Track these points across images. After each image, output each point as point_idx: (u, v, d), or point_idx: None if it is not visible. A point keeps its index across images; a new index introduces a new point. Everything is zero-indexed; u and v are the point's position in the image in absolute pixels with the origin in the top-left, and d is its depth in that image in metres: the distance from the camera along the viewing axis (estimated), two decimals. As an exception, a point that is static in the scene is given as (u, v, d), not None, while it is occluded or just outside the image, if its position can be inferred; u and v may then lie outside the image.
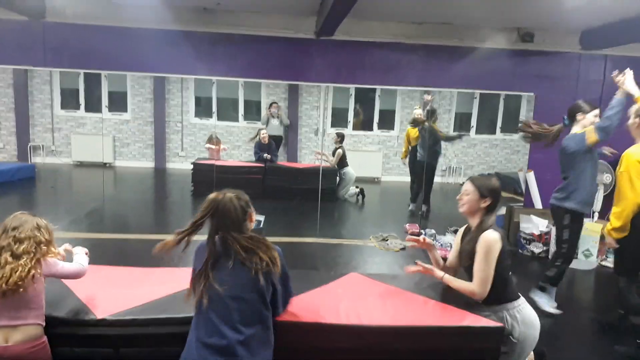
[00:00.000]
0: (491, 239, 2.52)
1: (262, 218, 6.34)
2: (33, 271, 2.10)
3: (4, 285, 2.04)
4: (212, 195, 2.21)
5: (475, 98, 12.61)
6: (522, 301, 2.62)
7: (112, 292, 2.61)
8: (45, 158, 11.90)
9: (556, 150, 6.48)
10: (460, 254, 2.76)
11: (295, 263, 5.37)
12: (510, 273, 2.65)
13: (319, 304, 2.56)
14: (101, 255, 5.36)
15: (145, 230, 6.61)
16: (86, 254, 2.45)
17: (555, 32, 6.32)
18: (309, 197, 8.43)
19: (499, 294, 2.55)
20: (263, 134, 9.58)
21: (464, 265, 2.70)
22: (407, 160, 8.80)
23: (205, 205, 2.17)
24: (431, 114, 7.74)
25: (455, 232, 6.85)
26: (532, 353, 3.05)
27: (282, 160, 10.61)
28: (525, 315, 2.58)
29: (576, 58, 6.42)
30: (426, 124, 7.64)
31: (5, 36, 5.62)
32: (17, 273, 2.04)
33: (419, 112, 8.01)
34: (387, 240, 6.35)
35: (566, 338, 3.87)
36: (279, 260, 2.15)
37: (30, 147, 11.77)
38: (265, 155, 9.38)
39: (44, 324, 2.20)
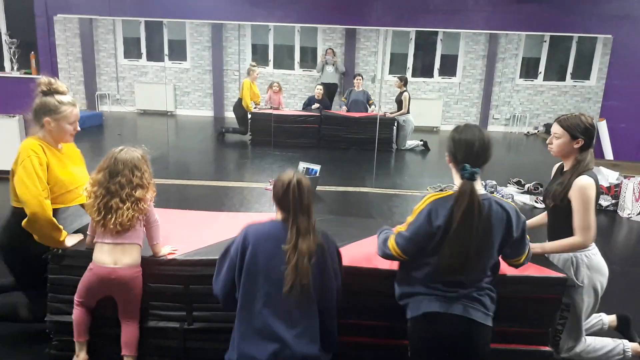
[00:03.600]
0: (586, 185, 2.38)
1: (317, 167, 6.38)
2: (138, 214, 2.36)
3: (118, 226, 2.31)
4: (285, 177, 2.04)
5: (545, 41, 11.81)
6: (592, 247, 2.53)
7: (180, 234, 2.75)
8: (111, 106, 12.42)
9: (632, 98, 6.04)
10: (546, 192, 2.64)
11: (351, 212, 5.43)
12: None
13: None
14: (166, 200, 5.64)
15: (206, 177, 6.85)
16: (174, 251, 2.55)
17: (642, -34, 5.73)
18: (365, 147, 8.38)
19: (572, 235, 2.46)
20: (318, 89, 9.48)
21: (549, 205, 2.59)
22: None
23: (283, 188, 2.03)
24: None
25: (518, 183, 6.65)
26: (614, 317, 2.98)
27: (337, 109, 10.52)
28: (594, 261, 2.51)
29: (664, -5, 5.82)
30: None
31: (71, -14, 5.77)
32: (126, 216, 2.31)
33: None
34: (444, 190, 6.24)
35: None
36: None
37: (97, 95, 12.29)
38: (314, 105, 9.31)
39: (142, 245, 2.43)
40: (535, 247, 2.51)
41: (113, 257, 2.34)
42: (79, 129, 2.65)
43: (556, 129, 2.52)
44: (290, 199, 2.00)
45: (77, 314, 2.42)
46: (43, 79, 2.56)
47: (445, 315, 1.97)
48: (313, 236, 2.00)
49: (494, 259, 2.05)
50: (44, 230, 2.44)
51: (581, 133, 2.44)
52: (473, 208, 1.90)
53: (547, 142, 2.58)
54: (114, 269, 2.33)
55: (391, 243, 2.09)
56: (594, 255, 2.52)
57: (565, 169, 2.54)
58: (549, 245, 2.54)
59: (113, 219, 2.30)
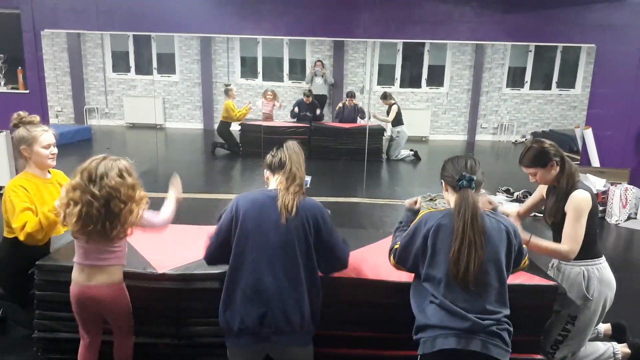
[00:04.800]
0: (582, 199, 2.43)
1: (308, 178, 6.39)
2: (121, 229, 2.17)
3: (95, 236, 2.11)
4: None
5: (530, 51, 11.98)
6: (603, 260, 2.57)
7: (170, 248, 2.73)
8: (100, 120, 12.33)
9: (617, 106, 6.13)
10: (543, 211, 2.68)
11: (341, 222, 5.42)
12: (597, 231, 2.58)
13: (366, 261, 2.58)
14: (156, 213, 5.61)
15: (196, 189, 6.82)
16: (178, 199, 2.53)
17: (622, -23, 5.85)
18: (355, 157, 8.41)
19: (583, 250, 2.47)
20: (306, 95, 9.57)
21: (549, 222, 2.62)
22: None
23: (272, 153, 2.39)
24: None
25: (507, 191, 6.69)
26: (609, 325, 3.00)
27: (327, 120, 10.56)
28: (605, 275, 2.54)
29: (645, 5, 5.94)
30: None
31: (60, 1, 5.76)
32: (110, 229, 2.12)
33: None
34: (435, 200, 6.28)
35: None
36: None
37: (85, 109, 12.21)
38: (303, 113, 9.37)
39: (125, 264, 2.29)
40: (528, 238, 2.51)
41: (87, 274, 2.17)
42: (55, 151, 2.74)
43: (526, 170, 2.58)
44: (277, 159, 2.37)
45: (80, 348, 2.30)
46: (13, 115, 2.69)
47: (463, 352, 1.84)
48: (294, 187, 2.21)
49: (504, 273, 1.97)
50: (47, 235, 2.57)
51: (549, 158, 2.48)
52: (474, 216, 1.89)
53: (530, 180, 2.63)
54: (88, 286, 2.16)
55: (392, 258, 2.14)
56: (604, 268, 2.55)
57: (556, 186, 2.57)
58: (534, 239, 2.52)
59: (91, 227, 2.08)
